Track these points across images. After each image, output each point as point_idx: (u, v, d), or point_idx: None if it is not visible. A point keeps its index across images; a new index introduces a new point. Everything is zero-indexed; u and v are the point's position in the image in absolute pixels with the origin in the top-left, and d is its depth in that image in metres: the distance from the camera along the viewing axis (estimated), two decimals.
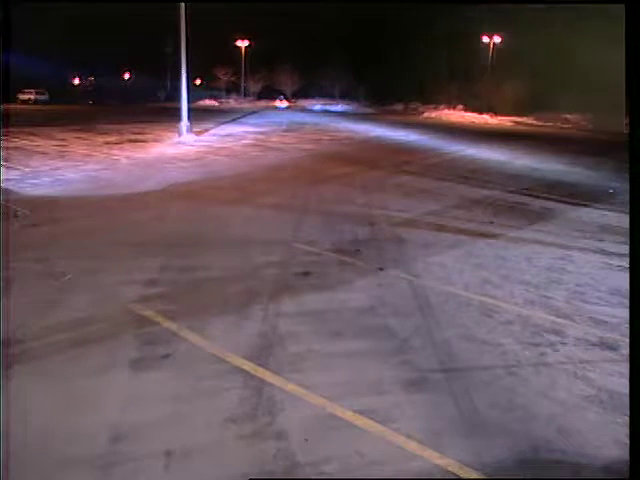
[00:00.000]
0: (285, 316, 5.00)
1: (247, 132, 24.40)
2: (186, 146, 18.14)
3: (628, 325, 4.75)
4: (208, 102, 55.71)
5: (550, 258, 7.18)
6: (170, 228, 7.93)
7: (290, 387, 3.82)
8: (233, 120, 31.29)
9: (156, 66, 60.97)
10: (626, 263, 6.86)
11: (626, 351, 4.53)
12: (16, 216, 8.02)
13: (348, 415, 3.54)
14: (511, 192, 11.92)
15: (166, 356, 4.20)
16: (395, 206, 9.89)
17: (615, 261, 7.14)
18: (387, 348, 4.48)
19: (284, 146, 19.51)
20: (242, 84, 64.64)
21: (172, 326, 4.69)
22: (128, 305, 5.08)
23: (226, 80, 66.53)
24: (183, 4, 19.83)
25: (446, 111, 47.40)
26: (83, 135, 20.32)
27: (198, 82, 64.33)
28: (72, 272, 5.87)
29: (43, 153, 15.08)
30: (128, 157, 14.94)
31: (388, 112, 51.12)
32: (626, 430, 3.39)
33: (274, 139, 21.93)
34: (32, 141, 17.78)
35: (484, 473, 3.09)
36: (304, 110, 50.23)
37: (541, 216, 9.80)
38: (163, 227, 7.98)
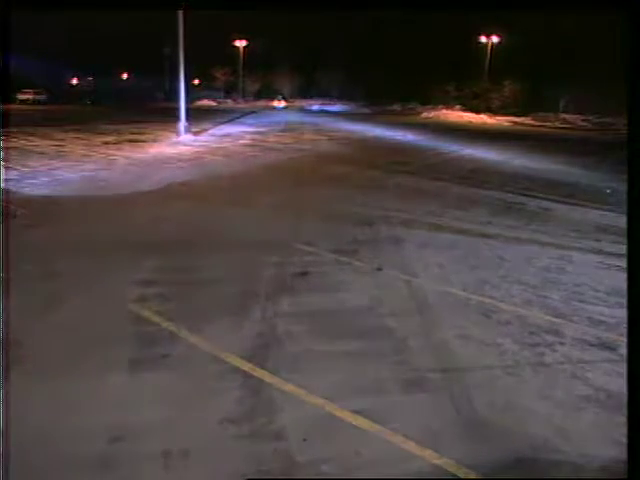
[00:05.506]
0: (283, 316, 5.01)
1: (245, 132, 24.39)
2: (184, 146, 18.13)
3: (626, 325, 4.77)
4: (206, 102, 55.63)
5: (548, 258, 7.20)
6: (168, 228, 7.92)
7: (288, 387, 3.83)
8: (231, 120, 31.28)
9: (155, 66, 60.84)
10: (624, 263, 6.87)
11: (624, 351, 4.54)
12: (15, 216, 8.01)
13: (347, 415, 3.54)
14: (509, 192, 11.93)
15: (165, 356, 4.21)
16: (393, 206, 9.89)
17: (613, 261, 7.15)
18: (385, 348, 4.48)
19: (282, 146, 19.51)
20: (240, 84, 64.61)
21: (171, 326, 4.69)
22: (127, 305, 5.08)
23: (224, 80, 66.51)
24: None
25: (444, 111, 47.35)
26: (81, 135, 20.30)
27: (196, 82, 64.27)
28: (70, 272, 5.87)
29: (41, 153, 15.06)
30: (126, 157, 14.93)
31: (386, 112, 51.08)
32: (624, 430, 3.39)
33: (272, 139, 21.92)
34: (31, 141, 17.75)
35: (482, 473, 3.09)
36: (302, 110, 50.19)
37: (539, 216, 9.82)
38: (161, 227, 7.97)
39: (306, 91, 65.23)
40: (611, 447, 3.36)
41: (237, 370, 4.04)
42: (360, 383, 3.95)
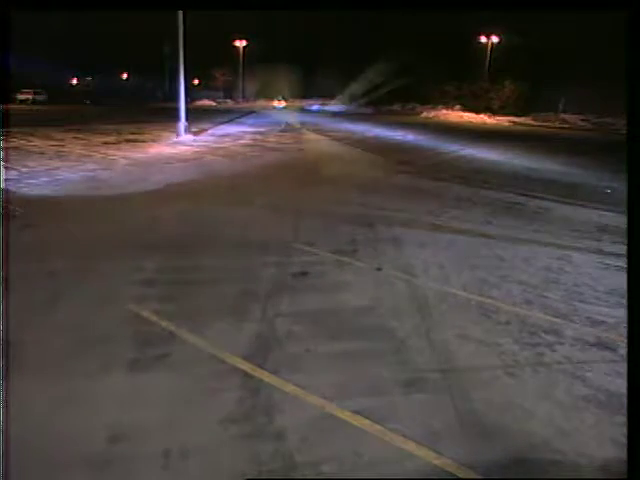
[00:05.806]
0: (283, 316, 5.01)
1: (245, 132, 24.39)
2: (184, 146, 18.13)
3: (626, 325, 4.77)
4: (206, 102, 55.68)
5: (548, 258, 7.20)
6: (167, 229, 7.92)
7: (288, 387, 3.83)
8: (231, 120, 31.28)
9: (155, 66, 60.88)
10: (624, 263, 6.87)
11: (624, 351, 4.54)
12: (14, 216, 8.01)
13: (346, 415, 3.54)
14: (509, 192, 11.93)
15: (165, 356, 4.20)
16: (393, 206, 9.89)
17: (613, 261, 7.15)
18: (385, 348, 4.48)
19: (282, 146, 19.51)
20: (240, 84, 64.65)
21: (170, 326, 4.69)
22: (126, 305, 5.08)
23: (224, 80, 66.57)
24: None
25: (444, 111, 47.37)
26: (81, 135, 20.28)
27: (196, 82, 64.29)
28: (69, 272, 5.86)
29: (41, 153, 15.05)
30: (126, 157, 14.92)
31: (386, 112, 51.12)
32: (624, 430, 3.40)
33: (272, 139, 21.92)
34: (30, 141, 17.74)
35: (482, 473, 3.09)
36: (302, 110, 50.21)
37: (539, 216, 9.82)
38: (160, 227, 7.97)
39: (306, 91, 65.20)
40: (611, 447, 3.36)
41: (237, 370, 4.04)
42: (360, 383, 3.95)
